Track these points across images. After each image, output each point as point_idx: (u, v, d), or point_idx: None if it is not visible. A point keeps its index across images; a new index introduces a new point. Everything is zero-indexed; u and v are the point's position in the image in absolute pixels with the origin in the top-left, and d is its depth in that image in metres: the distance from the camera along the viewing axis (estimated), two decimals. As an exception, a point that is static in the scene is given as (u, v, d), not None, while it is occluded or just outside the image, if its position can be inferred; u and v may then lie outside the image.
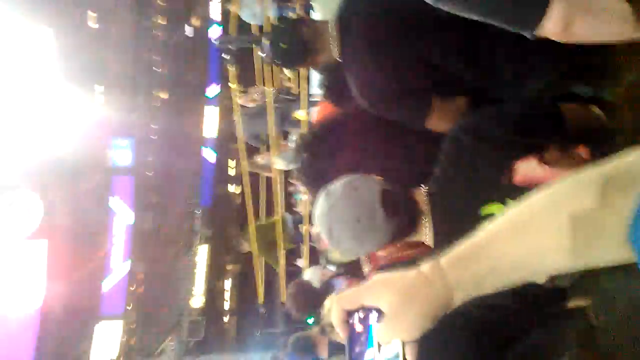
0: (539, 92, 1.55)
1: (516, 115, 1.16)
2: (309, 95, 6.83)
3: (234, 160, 20.68)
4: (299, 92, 7.03)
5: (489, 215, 1.06)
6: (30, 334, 16.23)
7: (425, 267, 0.74)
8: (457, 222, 1.17)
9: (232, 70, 7.26)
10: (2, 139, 15.40)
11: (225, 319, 20.43)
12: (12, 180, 16.62)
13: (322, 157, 1.65)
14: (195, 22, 21.43)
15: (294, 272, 7.97)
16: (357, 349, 0.74)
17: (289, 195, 11.89)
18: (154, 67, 20.75)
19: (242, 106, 7.46)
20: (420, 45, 1.57)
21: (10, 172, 16.44)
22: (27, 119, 15.64)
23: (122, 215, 19.26)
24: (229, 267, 20.64)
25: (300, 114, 7.72)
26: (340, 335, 0.77)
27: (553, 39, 1.16)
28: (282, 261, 7.11)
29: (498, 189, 1.13)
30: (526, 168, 1.09)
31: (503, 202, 1.12)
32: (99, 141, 18.61)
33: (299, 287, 4.90)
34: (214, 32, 18.51)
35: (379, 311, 0.74)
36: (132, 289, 18.97)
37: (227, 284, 21.00)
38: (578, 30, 1.13)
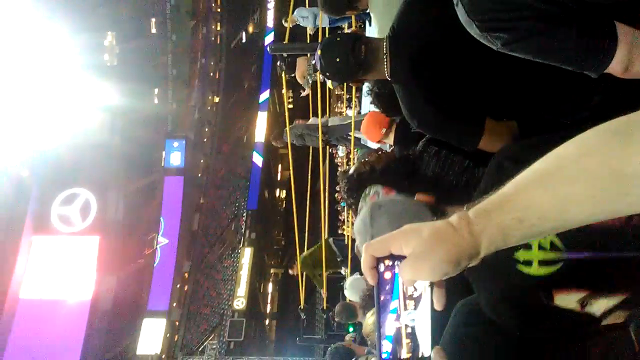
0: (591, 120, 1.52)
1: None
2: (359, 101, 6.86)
3: (282, 165, 20.90)
4: (348, 105, 7.06)
5: None
6: (81, 324, 16.91)
7: (454, 217, 0.74)
8: None
9: (284, 77, 7.34)
10: (60, 138, 16.18)
11: (266, 322, 20.60)
12: (69, 178, 17.44)
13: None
14: (251, 29, 21.88)
15: (337, 279, 7.98)
16: (382, 298, 0.75)
17: (334, 202, 11.95)
18: (209, 72, 21.32)
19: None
20: (473, 70, 1.53)
21: (67, 170, 17.25)
22: (85, 119, 16.37)
23: (172, 215, 19.83)
24: (272, 270, 20.85)
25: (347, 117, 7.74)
26: (369, 281, 0.77)
27: (617, 75, 1.18)
28: (325, 276, 7.17)
29: None
30: None
31: None
32: (153, 142, 19.27)
33: (344, 305, 5.07)
34: (269, 39, 18.81)
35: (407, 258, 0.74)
36: (177, 287, 19.47)
37: (270, 287, 21.18)
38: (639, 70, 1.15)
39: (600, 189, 0.65)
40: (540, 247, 1.03)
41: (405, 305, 0.75)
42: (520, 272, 1.05)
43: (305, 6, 6.60)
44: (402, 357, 0.74)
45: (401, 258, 0.74)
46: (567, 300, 1.06)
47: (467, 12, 1.19)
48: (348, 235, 8.57)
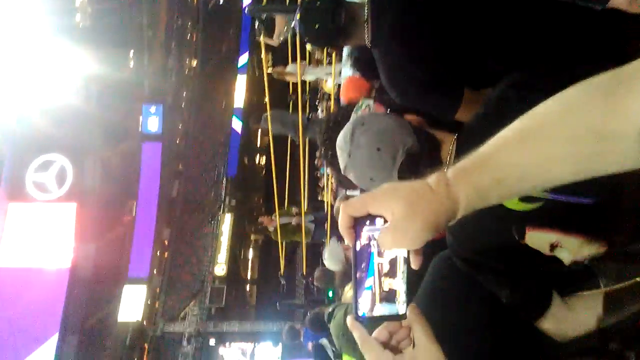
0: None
1: (571, 73, 1.12)
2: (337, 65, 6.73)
3: (261, 131, 20.67)
4: (328, 62, 6.93)
5: None
6: (60, 292, 16.84)
7: (432, 178, 0.73)
8: None
9: (262, 40, 7.16)
10: (35, 104, 15.74)
11: (247, 287, 20.79)
12: (43, 144, 17.06)
13: None
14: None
15: (316, 244, 8.02)
16: (358, 275, 0.75)
17: (314, 169, 11.91)
18: (186, 34, 20.79)
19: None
20: (454, 36, 1.51)
21: (41, 136, 16.85)
22: (59, 83, 15.91)
23: (150, 182, 19.62)
24: (253, 237, 20.91)
25: (328, 86, 7.61)
26: (346, 241, 0.77)
27: (622, 8, 1.14)
28: (304, 241, 7.16)
29: None
30: None
31: None
32: (130, 107, 18.88)
33: (323, 271, 5.14)
34: (247, 1, 18.36)
35: (384, 219, 0.74)
36: (157, 254, 19.45)
37: (250, 253, 21.30)
38: None
39: (582, 148, 0.65)
40: None
41: (380, 284, 0.75)
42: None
43: None
44: (376, 315, 0.76)
45: (378, 218, 0.74)
46: (539, 240, 1.04)
47: None
48: (327, 202, 8.57)
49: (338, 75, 6.66)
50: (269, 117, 6.84)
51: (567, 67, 1.07)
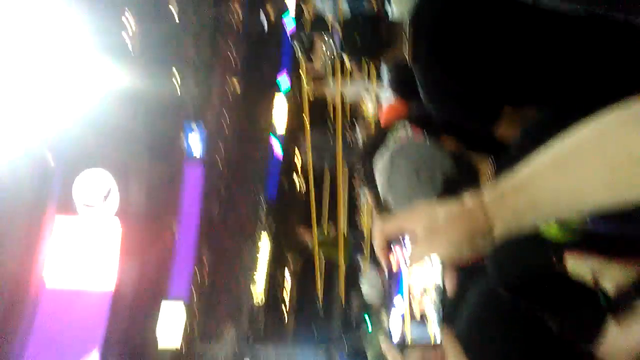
0: None
1: (614, 99, 1.14)
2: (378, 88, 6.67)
3: (300, 151, 20.79)
4: (369, 82, 6.89)
5: None
6: (103, 309, 17.13)
7: (468, 199, 0.74)
8: None
9: (303, 61, 7.18)
10: (82, 122, 16.30)
11: (284, 311, 20.75)
12: (90, 160, 17.60)
13: None
14: (270, 12, 21.75)
15: (352, 267, 7.97)
16: (391, 298, 0.69)
17: (352, 190, 11.85)
18: (229, 56, 21.26)
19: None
20: (494, 54, 1.52)
21: (89, 154, 17.39)
22: (106, 103, 16.45)
23: (192, 201, 19.92)
24: (291, 260, 20.92)
25: (367, 110, 7.54)
26: (381, 261, 0.79)
27: None
28: (342, 267, 7.12)
29: None
30: None
31: None
32: (173, 127, 19.34)
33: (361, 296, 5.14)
34: (289, 23, 18.67)
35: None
36: (197, 275, 19.64)
37: (288, 277, 21.30)
38: None
39: (617, 175, 0.64)
40: None
41: (412, 309, 0.68)
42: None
43: None
44: (410, 339, 0.65)
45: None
46: (579, 267, 1.02)
47: None
48: (365, 225, 8.45)
49: (378, 93, 6.63)
50: (308, 148, 6.84)
51: (610, 92, 1.02)
